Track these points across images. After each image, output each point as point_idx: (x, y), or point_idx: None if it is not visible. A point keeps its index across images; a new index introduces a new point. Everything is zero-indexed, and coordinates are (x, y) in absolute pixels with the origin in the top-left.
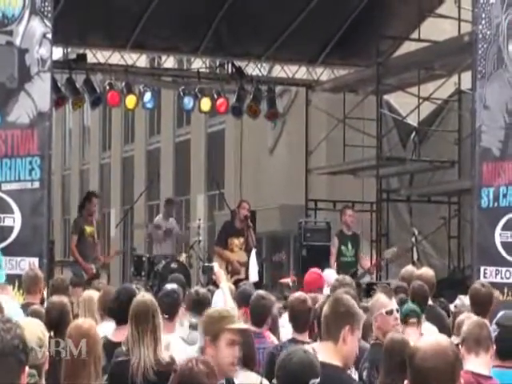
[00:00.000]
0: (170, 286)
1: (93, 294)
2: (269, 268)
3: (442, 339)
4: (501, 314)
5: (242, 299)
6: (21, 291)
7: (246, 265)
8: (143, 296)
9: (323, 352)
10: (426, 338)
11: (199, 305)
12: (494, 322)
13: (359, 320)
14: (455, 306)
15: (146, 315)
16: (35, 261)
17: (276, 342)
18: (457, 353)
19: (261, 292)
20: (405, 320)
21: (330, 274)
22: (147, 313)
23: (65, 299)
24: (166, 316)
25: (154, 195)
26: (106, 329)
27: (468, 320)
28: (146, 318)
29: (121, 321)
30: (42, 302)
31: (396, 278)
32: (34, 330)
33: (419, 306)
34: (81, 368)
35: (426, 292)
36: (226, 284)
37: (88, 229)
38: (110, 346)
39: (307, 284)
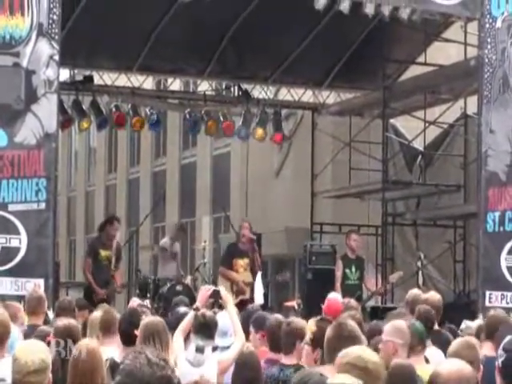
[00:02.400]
0: (182, 310)
1: (98, 316)
2: (274, 291)
3: (464, 365)
4: (507, 338)
5: (258, 324)
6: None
7: (251, 285)
8: (152, 317)
9: (327, 375)
10: (446, 363)
11: (206, 328)
12: (501, 346)
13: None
14: (461, 331)
15: (158, 335)
16: (40, 282)
17: None
18: (478, 379)
19: (278, 316)
20: (411, 345)
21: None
22: (159, 333)
23: (73, 321)
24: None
25: (159, 217)
26: (109, 351)
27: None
28: (158, 338)
29: (127, 342)
30: (45, 323)
31: (401, 301)
32: (38, 352)
33: (425, 330)
34: None
35: (432, 316)
36: (233, 308)
37: (103, 252)
38: (117, 368)
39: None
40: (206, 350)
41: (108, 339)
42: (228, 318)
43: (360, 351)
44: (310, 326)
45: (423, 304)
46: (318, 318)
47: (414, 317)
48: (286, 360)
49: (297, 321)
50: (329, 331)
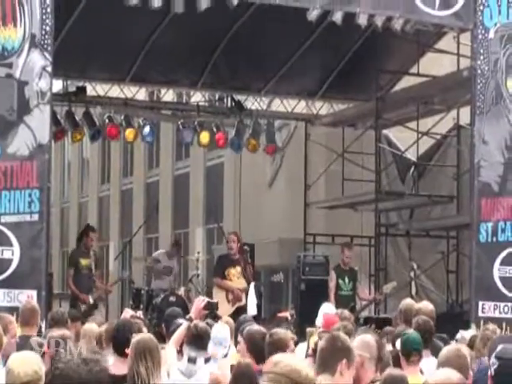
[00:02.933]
0: (180, 321)
1: (93, 327)
2: (267, 302)
3: (453, 373)
4: (500, 347)
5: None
6: (17, 324)
7: (247, 290)
8: (143, 334)
9: None
10: (437, 373)
11: (198, 339)
12: (494, 355)
13: (354, 357)
14: (456, 341)
15: (150, 353)
16: (33, 293)
17: None
18: None
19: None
20: (407, 355)
21: (328, 309)
22: (150, 350)
23: (67, 332)
24: (178, 349)
25: (152, 228)
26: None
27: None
28: (150, 355)
29: (120, 352)
30: (38, 335)
31: (394, 311)
32: (31, 364)
33: (424, 341)
34: None
35: (431, 327)
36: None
37: (83, 261)
38: (111, 379)
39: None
40: (198, 360)
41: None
42: (224, 329)
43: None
44: (312, 337)
45: (416, 314)
46: (320, 329)
47: (411, 327)
48: None
49: (279, 332)
50: (322, 343)
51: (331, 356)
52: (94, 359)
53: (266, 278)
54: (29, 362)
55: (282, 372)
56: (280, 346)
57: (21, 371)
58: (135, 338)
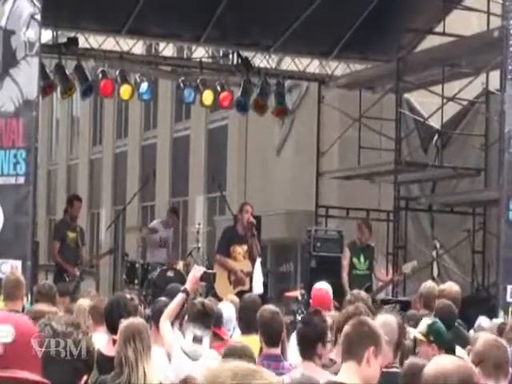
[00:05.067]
0: (163, 299)
1: (84, 302)
2: (274, 279)
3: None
4: None
5: None
6: (1, 297)
7: (251, 275)
8: (132, 319)
9: (345, 372)
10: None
11: (204, 317)
12: None
13: (382, 344)
14: (474, 330)
15: (139, 336)
16: (18, 264)
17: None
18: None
19: (271, 306)
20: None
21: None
22: (140, 333)
23: (54, 308)
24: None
25: (148, 196)
26: (99, 340)
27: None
28: (139, 338)
29: (114, 330)
30: (22, 310)
31: (414, 294)
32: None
33: (446, 327)
34: None
35: (454, 313)
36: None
37: (70, 234)
38: (103, 360)
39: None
40: (204, 340)
41: (99, 327)
42: (230, 309)
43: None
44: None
45: (439, 296)
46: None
47: (431, 313)
48: None
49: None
50: (348, 328)
51: (358, 342)
52: (68, 332)
53: (272, 262)
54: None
55: None
56: None
57: None
58: (122, 323)
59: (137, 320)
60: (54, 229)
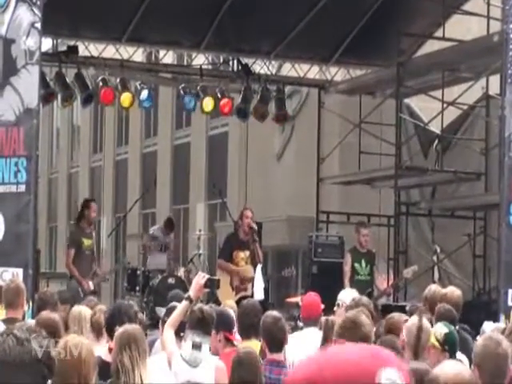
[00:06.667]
0: (162, 309)
1: (84, 311)
2: (275, 285)
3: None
4: None
5: None
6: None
7: (253, 280)
8: (128, 325)
9: None
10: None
11: (204, 323)
12: None
13: None
14: (480, 335)
15: (135, 343)
16: (19, 272)
17: None
18: None
19: (274, 312)
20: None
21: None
22: (136, 341)
23: (56, 316)
24: (182, 334)
25: (149, 203)
26: (99, 350)
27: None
28: (135, 345)
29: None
30: (23, 318)
31: (414, 299)
32: None
33: None
34: None
35: (455, 317)
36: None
37: (86, 241)
38: (105, 367)
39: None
40: (203, 347)
41: (100, 339)
42: (231, 314)
43: None
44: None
45: (441, 301)
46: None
47: (433, 316)
48: None
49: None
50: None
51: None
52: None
53: (273, 269)
54: None
55: None
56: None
57: None
58: (118, 331)
59: (132, 327)
60: (70, 235)
